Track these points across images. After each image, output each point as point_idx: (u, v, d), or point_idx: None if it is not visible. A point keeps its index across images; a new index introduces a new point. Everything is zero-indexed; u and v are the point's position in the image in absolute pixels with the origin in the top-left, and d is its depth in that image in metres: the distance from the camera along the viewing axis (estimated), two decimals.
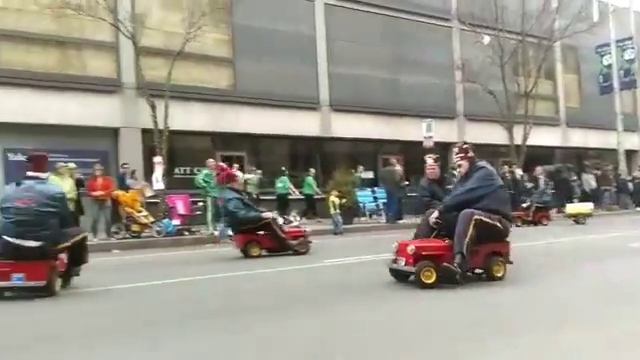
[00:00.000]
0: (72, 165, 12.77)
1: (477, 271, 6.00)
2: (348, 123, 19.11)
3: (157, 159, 13.93)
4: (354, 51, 19.37)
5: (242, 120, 16.86)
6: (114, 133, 15.45)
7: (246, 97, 16.97)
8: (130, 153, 15.08)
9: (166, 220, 13.23)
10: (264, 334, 3.98)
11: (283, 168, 17.34)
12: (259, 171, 16.76)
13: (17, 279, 5.57)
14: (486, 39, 20.46)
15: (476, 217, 5.65)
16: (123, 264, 9.36)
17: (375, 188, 17.88)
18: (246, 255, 9.14)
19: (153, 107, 13.91)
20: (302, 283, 6.55)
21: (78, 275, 6.37)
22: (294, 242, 9.36)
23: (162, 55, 15.16)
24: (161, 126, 14.00)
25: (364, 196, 17.33)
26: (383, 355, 3.38)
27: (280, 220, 10.11)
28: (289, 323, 4.32)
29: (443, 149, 20.92)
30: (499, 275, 5.81)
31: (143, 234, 12.91)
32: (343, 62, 19.17)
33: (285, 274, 7.29)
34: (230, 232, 12.92)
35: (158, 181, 13.84)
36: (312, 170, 17.80)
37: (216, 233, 13.08)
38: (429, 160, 7.10)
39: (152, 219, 13.12)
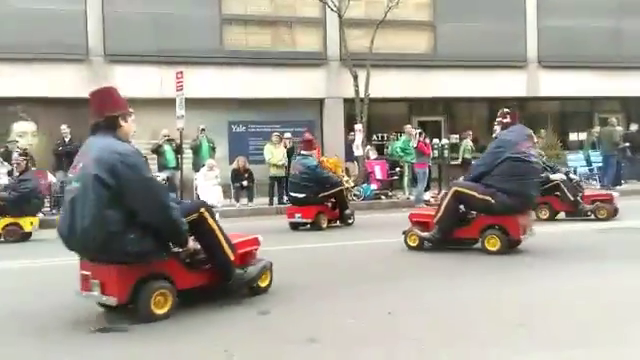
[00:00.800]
0: (287, 135, 14.29)
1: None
2: (559, 80, 17.62)
3: (358, 127, 14.72)
4: None
5: (440, 84, 16.68)
6: (319, 103, 16.57)
7: (446, 60, 16.72)
8: (333, 122, 16.17)
9: (365, 184, 14.04)
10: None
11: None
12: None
13: (297, 217, 9.28)
14: None
15: (455, 189, 6.12)
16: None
17: (590, 151, 16.49)
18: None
19: (355, 77, 14.65)
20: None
21: (350, 219, 9.47)
22: (588, 206, 9.05)
23: (364, 25, 15.75)
24: (362, 95, 14.71)
25: (576, 160, 16.11)
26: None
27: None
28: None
29: None
30: (493, 249, 5.91)
31: None
32: (555, 13, 17.60)
33: None
34: (426, 197, 13.36)
35: (358, 148, 14.66)
36: (543, 131, 16.68)
37: (412, 198, 13.54)
38: None
39: (353, 183, 14.03)
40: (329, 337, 3.39)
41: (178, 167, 13.40)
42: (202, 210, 4.04)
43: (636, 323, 3.49)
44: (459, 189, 6.08)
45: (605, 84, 17.86)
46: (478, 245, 6.20)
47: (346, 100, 15.78)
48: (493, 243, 5.94)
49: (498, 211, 5.90)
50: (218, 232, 4.07)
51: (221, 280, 4.15)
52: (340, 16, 14.90)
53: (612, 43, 17.93)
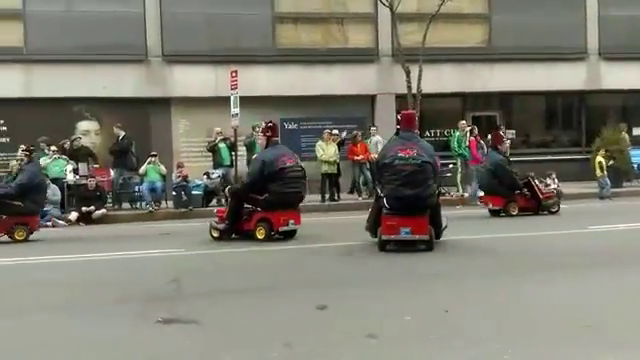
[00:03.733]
0: (336, 132, 14.35)
1: None
2: (621, 72, 16.94)
3: None
4: None
5: (495, 78, 16.35)
6: (371, 100, 16.52)
7: (501, 53, 16.35)
8: (385, 119, 16.01)
9: None
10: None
11: None
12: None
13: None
14: None
15: None
16: None
17: None
18: None
19: (408, 73, 14.49)
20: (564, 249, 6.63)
21: None
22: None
23: (417, 19, 15.57)
24: (414, 90, 14.55)
25: (638, 156, 15.48)
26: None
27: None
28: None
29: None
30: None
31: None
32: (617, 2, 16.95)
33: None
34: (481, 194, 13.10)
35: None
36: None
37: (466, 195, 13.34)
38: None
39: None
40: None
41: (232, 164, 13.65)
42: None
43: None
44: None
45: None
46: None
47: (398, 96, 15.64)
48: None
49: None
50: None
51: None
52: (392, 11, 14.76)
53: None
